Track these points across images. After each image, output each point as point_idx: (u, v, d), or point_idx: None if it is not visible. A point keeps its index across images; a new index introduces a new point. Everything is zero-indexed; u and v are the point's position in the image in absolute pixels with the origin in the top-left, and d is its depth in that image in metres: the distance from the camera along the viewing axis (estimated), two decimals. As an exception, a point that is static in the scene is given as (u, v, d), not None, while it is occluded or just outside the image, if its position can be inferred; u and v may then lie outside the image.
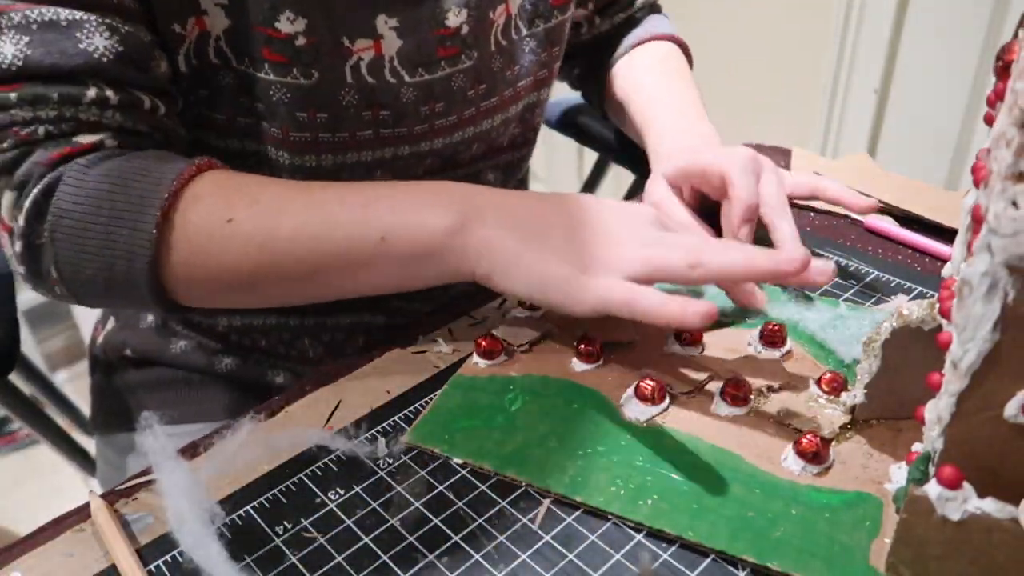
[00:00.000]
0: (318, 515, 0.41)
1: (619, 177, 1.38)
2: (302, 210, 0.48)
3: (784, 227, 0.54)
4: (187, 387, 0.68)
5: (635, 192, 0.95)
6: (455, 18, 0.57)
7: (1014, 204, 0.28)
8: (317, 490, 0.42)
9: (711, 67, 1.69)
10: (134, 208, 0.46)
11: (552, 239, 0.48)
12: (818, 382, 0.47)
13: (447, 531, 0.39)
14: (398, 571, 0.38)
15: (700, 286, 0.55)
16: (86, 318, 1.77)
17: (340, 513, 0.41)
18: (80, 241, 0.46)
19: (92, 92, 0.48)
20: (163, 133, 0.53)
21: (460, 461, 0.43)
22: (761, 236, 0.56)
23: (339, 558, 0.38)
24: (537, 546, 0.39)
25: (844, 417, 0.45)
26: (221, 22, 0.52)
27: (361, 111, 0.57)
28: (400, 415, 0.47)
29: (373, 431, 0.45)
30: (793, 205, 0.69)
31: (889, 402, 0.44)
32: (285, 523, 0.40)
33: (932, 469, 0.35)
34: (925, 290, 0.57)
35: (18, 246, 0.48)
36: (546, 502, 0.41)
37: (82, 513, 0.41)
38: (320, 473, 0.43)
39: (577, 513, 0.40)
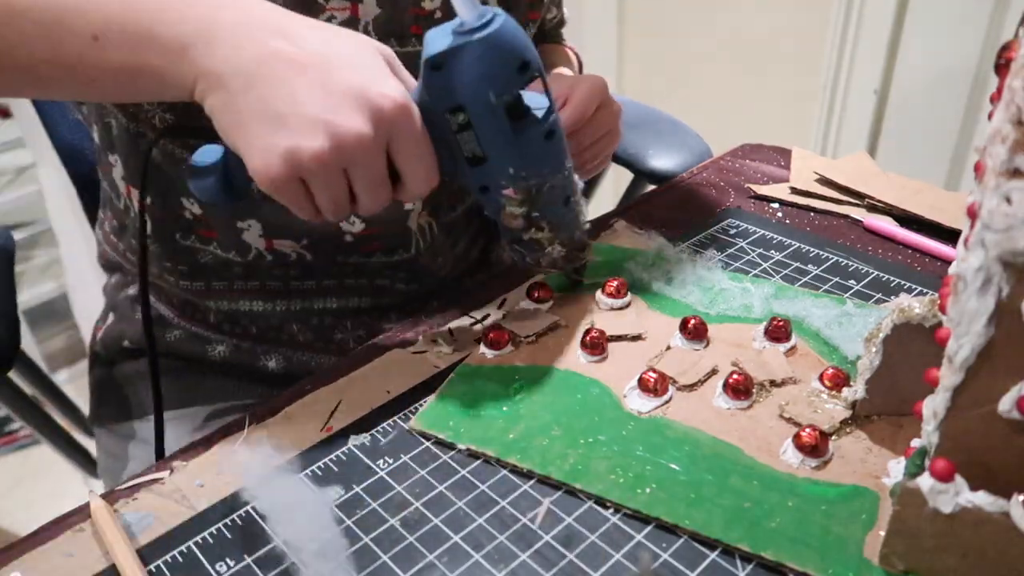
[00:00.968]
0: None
1: (619, 178, 1.38)
2: None
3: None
4: (184, 375, 0.68)
5: (634, 192, 0.95)
6: (430, 3, 0.59)
7: (1008, 200, 0.28)
8: (317, 490, 0.42)
9: (711, 67, 1.70)
10: None
11: (279, 91, 0.40)
12: (820, 378, 0.47)
13: (447, 531, 0.39)
14: (398, 571, 0.38)
15: (710, 283, 0.54)
16: (86, 318, 1.76)
17: (340, 513, 0.41)
18: None
19: None
20: None
21: (459, 460, 0.43)
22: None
23: (339, 558, 0.38)
24: (537, 546, 0.39)
25: (845, 412, 0.45)
26: None
27: None
28: (400, 415, 0.47)
29: (373, 431, 0.46)
30: (793, 205, 0.70)
31: (890, 398, 0.44)
32: (285, 522, 0.40)
33: (928, 463, 0.35)
34: (925, 290, 0.57)
35: None
36: (546, 502, 0.41)
37: (82, 513, 0.41)
38: (320, 473, 0.43)
39: (577, 513, 0.40)
